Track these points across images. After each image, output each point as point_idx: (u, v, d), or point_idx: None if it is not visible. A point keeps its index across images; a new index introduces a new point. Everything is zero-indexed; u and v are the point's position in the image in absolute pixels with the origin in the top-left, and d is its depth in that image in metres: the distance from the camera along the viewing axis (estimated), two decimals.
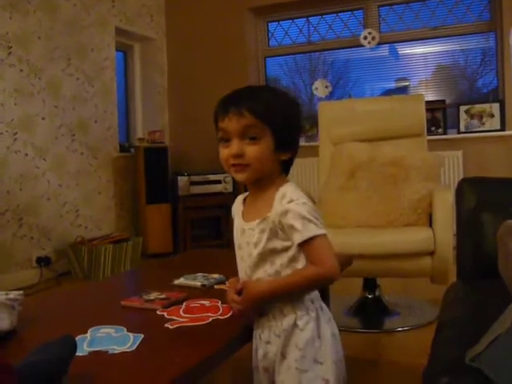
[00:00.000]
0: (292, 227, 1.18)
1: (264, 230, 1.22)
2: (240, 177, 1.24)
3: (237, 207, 1.36)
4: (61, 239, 4.47)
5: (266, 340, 1.26)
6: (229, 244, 5.16)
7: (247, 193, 1.36)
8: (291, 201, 1.19)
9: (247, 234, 1.26)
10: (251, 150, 1.20)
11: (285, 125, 1.22)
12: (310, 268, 1.19)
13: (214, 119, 1.25)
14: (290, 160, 1.29)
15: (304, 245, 1.18)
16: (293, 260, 1.22)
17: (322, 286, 1.33)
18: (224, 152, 1.23)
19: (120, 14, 5.28)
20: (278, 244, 1.22)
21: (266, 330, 1.26)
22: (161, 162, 5.21)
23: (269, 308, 1.25)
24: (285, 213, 1.18)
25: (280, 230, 1.20)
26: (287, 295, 1.23)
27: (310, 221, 1.17)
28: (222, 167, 1.27)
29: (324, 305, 1.30)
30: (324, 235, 1.18)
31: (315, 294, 1.28)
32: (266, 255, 1.23)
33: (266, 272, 1.24)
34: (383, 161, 3.10)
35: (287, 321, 1.23)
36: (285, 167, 1.30)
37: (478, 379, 1.09)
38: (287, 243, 1.21)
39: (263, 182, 1.26)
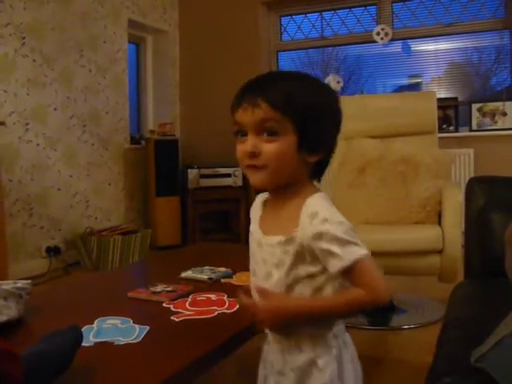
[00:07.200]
0: (329, 253, 0.96)
1: (288, 252, 1.01)
2: (255, 179, 1.02)
3: (255, 210, 1.14)
4: (70, 229, 4.50)
5: (279, 370, 1.06)
6: (237, 238, 5.17)
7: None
8: (325, 220, 0.97)
9: (265, 249, 1.05)
10: (268, 148, 0.99)
11: (311, 118, 0.99)
12: (357, 291, 0.97)
13: (231, 110, 1.05)
14: (321, 162, 1.06)
15: (346, 271, 0.97)
16: (318, 291, 1.01)
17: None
18: (239, 149, 1.03)
19: (133, 6, 5.28)
20: (302, 271, 1.01)
21: (279, 360, 1.06)
22: (171, 154, 5.22)
23: (283, 339, 1.06)
24: (318, 236, 0.97)
25: (309, 254, 1.00)
26: (310, 325, 1.02)
27: (348, 242, 0.96)
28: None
29: (348, 338, 1.09)
30: (367, 255, 0.97)
31: (340, 327, 1.07)
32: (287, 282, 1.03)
33: None
34: (393, 158, 3.09)
35: (304, 357, 1.03)
36: (316, 171, 1.07)
37: (482, 380, 1.09)
38: (314, 269, 1.00)
39: (286, 189, 1.04)
